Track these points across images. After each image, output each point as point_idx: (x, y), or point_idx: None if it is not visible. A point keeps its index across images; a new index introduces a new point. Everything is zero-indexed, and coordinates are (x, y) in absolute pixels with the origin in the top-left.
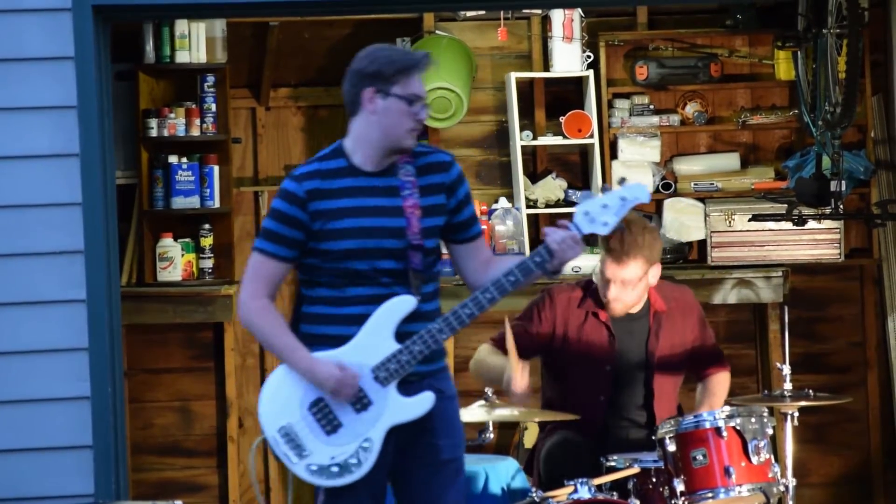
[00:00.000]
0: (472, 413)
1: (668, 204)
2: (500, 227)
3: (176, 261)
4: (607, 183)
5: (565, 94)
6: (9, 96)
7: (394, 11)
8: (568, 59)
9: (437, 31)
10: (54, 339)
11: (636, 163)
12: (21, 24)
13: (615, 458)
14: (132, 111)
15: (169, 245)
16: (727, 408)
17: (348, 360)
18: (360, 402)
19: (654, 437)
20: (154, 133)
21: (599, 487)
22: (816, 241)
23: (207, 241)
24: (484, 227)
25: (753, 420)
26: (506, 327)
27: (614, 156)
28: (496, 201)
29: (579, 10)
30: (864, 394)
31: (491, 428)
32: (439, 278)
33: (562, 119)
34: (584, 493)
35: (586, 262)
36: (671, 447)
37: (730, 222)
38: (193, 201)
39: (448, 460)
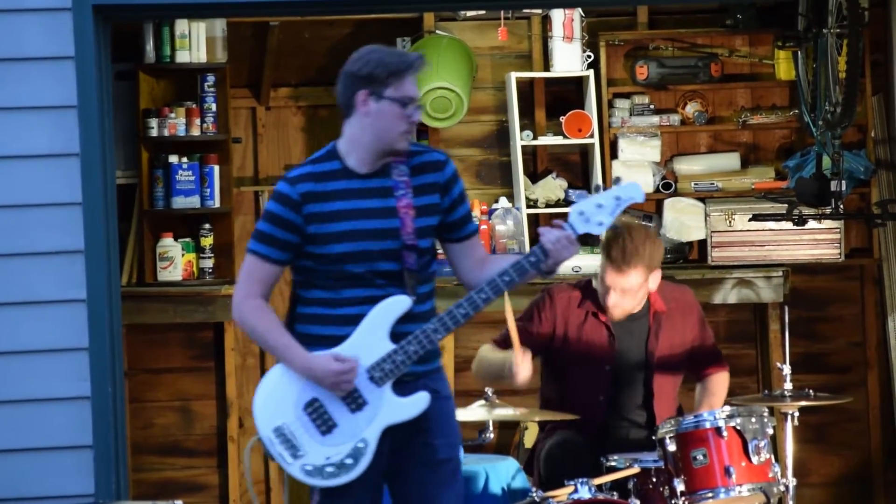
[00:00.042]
0: (473, 413)
1: (669, 204)
2: (500, 226)
3: (176, 260)
4: (605, 183)
5: (565, 94)
6: (9, 96)
7: (394, 11)
8: (568, 59)
9: (438, 31)
10: (55, 338)
11: (636, 162)
12: (21, 23)
13: (615, 457)
14: (132, 111)
15: (169, 245)
16: (727, 408)
17: (345, 354)
18: (356, 402)
19: (654, 437)
20: (154, 133)
21: (600, 487)
22: (817, 240)
23: (208, 241)
24: (484, 226)
25: (754, 420)
26: (508, 316)
27: (614, 156)
28: (496, 201)
29: (579, 9)
30: (864, 394)
31: (491, 428)
32: (435, 279)
33: (562, 119)
34: (585, 493)
35: (586, 262)
36: (671, 447)
37: (730, 222)
38: (194, 201)
39: (444, 460)
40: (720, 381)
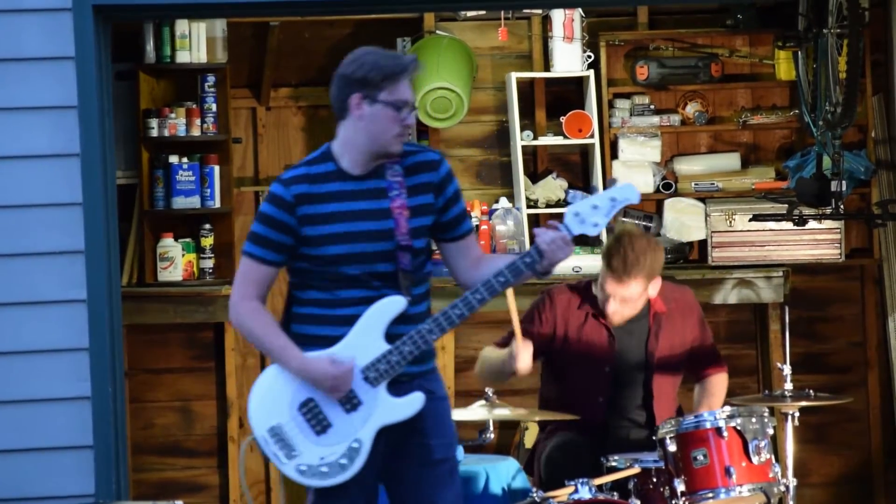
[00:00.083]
0: (473, 413)
1: (669, 204)
2: (500, 227)
3: (176, 261)
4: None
5: (566, 94)
6: (9, 96)
7: (394, 11)
8: (568, 59)
9: (438, 31)
10: (55, 339)
11: (637, 163)
12: (21, 23)
13: (616, 458)
14: (133, 111)
15: (169, 245)
16: (728, 408)
17: (342, 357)
18: (350, 403)
19: (654, 438)
20: (154, 133)
21: (600, 487)
22: (817, 241)
23: (208, 241)
24: (484, 227)
25: (754, 420)
26: (510, 306)
27: (615, 156)
28: (497, 201)
29: (580, 10)
30: (864, 394)
31: (491, 428)
32: (430, 280)
33: (562, 119)
34: (585, 493)
35: (586, 262)
36: (672, 447)
37: (730, 222)
38: (194, 201)
39: (441, 460)
40: (719, 382)
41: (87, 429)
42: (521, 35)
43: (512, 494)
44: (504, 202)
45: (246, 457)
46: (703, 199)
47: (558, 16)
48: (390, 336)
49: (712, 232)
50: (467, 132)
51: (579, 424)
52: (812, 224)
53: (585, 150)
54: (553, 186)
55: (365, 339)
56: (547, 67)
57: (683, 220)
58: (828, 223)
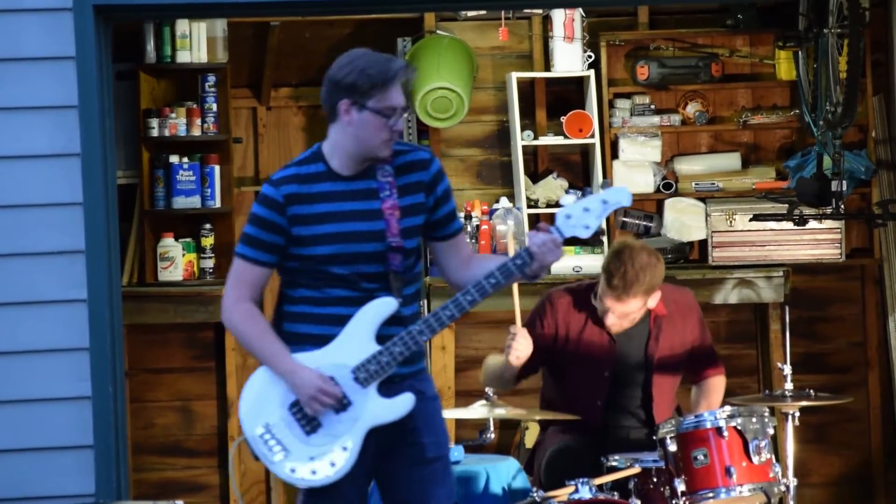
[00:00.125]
0: (473, 412)
1: (669, 204)
2: (500, 226)
3: (177, 261)
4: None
5: (566, 94)
6: (9, 96)
7: (394, 11)
8: (569, 59)
9: (438, 31)
10: (55, 339)
11: (637, 162)
12: (22, 23)
13: (616, 457)
14: (133, 111)
15: (170, 245)
16: (728, 407)
17: (328, 360)
18: (340, 403)
19: (654, 437)
20: (155, 133)
21: (600, 487)
22: (817, 241)
23: (208, 241)
24: (485, 227)
25: (754, 420)
26: (514, 299)
27: (615, 156)
28: (497, 201)
29: (580, 9)
30: (864, 394)
31: (492, 427)
32: (420, 280)
33: (563, 119)
34: (585, 493)
35: (586, 262)
36: (672, 447)
37: (731, 222)
38: (194, 201)
39: (434, 458)
40: (717, 384)
41: (87, 429)
42: (522, 35)
43: (512, 494)
44: (504, 202)
45: (244, 457)
46: (703, 199)
47: (559, 16)
48: (381, 337)
49: (713, 232)
50: (468, 132)
51: (579, 425)
52: (812, 224)
53: (586, 150)
54: (553, 186)
55: (355, 340)
56: (547, 67)
57: (684, 220)
58: (828, 223)
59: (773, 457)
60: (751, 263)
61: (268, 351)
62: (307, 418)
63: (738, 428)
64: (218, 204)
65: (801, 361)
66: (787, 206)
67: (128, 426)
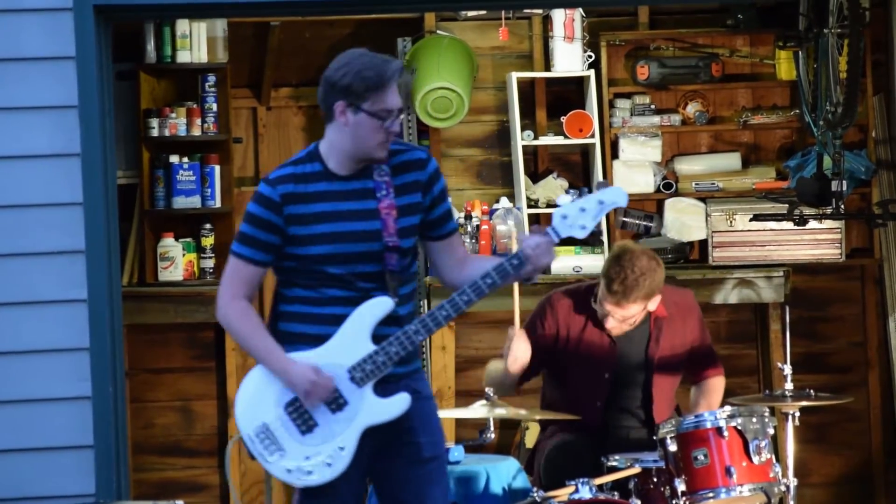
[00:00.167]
0: (474, 412)
1: (670, 204)
2: (501, 226)
3: (177, 260)
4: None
5: (566, 94)
6: (10, 96)
7: (395, 11)
8: (569, 59)
9: (439, 31)
10: (55, 339)
11: (637, 162)
12: (22, 23)
13: (616, 457)
14: (133, 111)
15: (170, 245)
16: (728, 407)
17: (325, 360)
18: (336, 403)
19: (655, 437)
20: (155, 133)
21: (601, 487)
22: (817, 240)
23: (208, 241)
24: (485, 226)
25: (755, 420)
26: (514, 301)
27: (615, 156)
28: (497, 201)
29: (580, 9)
30: (865, 394)
31: (492, 427)
32: (416, 280)
33: (563, 119)
34: (586, 493)
35: (587, 262)
36: (672, 447)
37: (731, 222)
38: (194, 201)
39: (430, 458)
40: (717, 384)
41: (87, 429)
42: (522, 35)
43: (512, 494)
44: (505, 202)
45: (244, 457)
46: (703, 199)
47: (559, 16)
48: (377, 337)
49: (713, 232)
50: (468, 132)
51: (579, 425)
52: (812, 224)
53: (586, 150)
54: (554, 186)
55: (351, 340)
56: (547, 67)
57: (684, 220)
58: (828, 223)
59: (774, 457)
60: (751, 263)
61: (261, 348)
62: (303, 418)
63: (739, 428)
64: (218, 204)
65: (802, 361)
66: (787, 206)
67: (128, 426)
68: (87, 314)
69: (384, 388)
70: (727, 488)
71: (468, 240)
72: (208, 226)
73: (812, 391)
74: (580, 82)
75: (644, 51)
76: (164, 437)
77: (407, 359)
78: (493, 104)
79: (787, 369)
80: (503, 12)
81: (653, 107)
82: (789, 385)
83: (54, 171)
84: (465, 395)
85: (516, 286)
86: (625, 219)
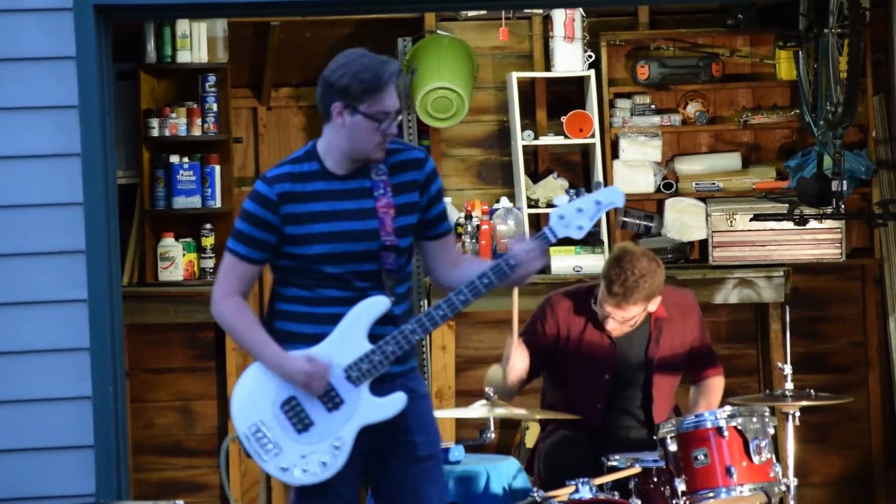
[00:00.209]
0: (474, 412)
1: (670, 203)
2: (501, 226)
3: (177, 260)
4: (606, 183)
5: (567, 94)
6: (10, 96)
7: (395, 11)
8: (569, 59)
9: (439, 31)
10: (56, 338)
11: (637, 162)
12: (22, 23)
13: (616, 457)
14: (133, 111)
15: (170, 245)
16: (728, 407)
17: (320, 357)
18: (332, 402)
19: (655, 437)
20: (155, 133)
21: (601, 487)
22: (818, 240)
23: (209, 241)
24: (485, 226)
25: (755, 420)
26: (514, 307)
27: (616, 155)
28: (497, 201)
29: (580, 9)
30: (865, 394)
31: (492, 427)
32: (411, 279)
33: (563, 119)
34: (586, 493)
35: (587, 262)
36: (672, 447)
37: (731, 222)
38: (195, 201)
39: (426, 457)
40: (716, 384)
41: (87, 428)
42: (522, 35)
43: (513, 494)
44: (505, 202)
45: (244, 456)
46: (703, 199)
47: (559, 15)
48: (373, 336)
49: (713, 232)
50: (468, 132)
51: (579, 426)
52: (813, 224)
53: (586, 150)
54: (554, 186)
55: (348, 339)
56: (548, 67)
57: (684, 220)
58: (828, 223)
59: (774, 456)
60: (751, 263)
61: (256, 342)
62: (299, 417)
63: (739, 428)
64: (218, 204)
65: (802, 361)
66: (787, 205)
67: (128, 426)
68: (88, 314)
69: (380, 387)
70: (727, 488)
71: (468, 240)
72: (208, 226)
73: (812, 391)
74: (580, 82)
75: (644, 51)
76: (164, 437)
77: (403, 358)
78: (493, 104)
79: (788, 369)
80: (503, 12)
81: (653, 107)
82: (789, 385)
83: (54, 171)
84: (465, 395)
85: (516, 293)
86: (625, 219)
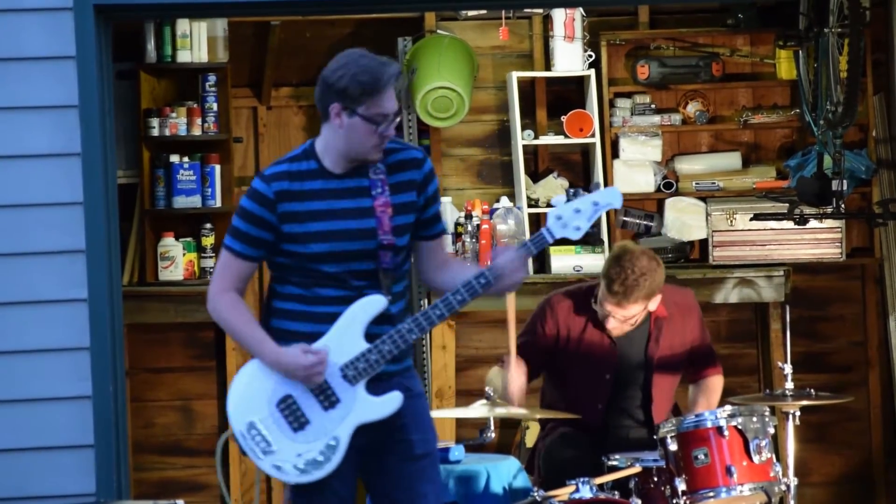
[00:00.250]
0: (474, 412)
1: (670, 203)
2: (501, 226)
3: (177, 260)
4: (606, 183)
5: (567, 94)
6: (10, 96)
7: (395, 11)
8: (569, 59)
9: (439, 31)
10: (56, 338)
11: (637, 162)
12: (22, 23)
13: (617, 457)
14: (134, 110)
15: (170, 244)
16: (728, 407)
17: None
18: (328, 400)
19: (655, 437)
20: (155, 132)
21: (601, 486)
22: (818, 240)
23: (209, 241)
24: (485, 226)
25: (755, 419)
26: (510, 314)
27: (616, 155)
28: (497, 200)
29: (581, 9)
30: (865, 393)
31: (492, 427)
32: (408, 277)
33: (563, 118)
34: (586, 493)
35: (587, 262)
36: (673, 446)
37: (731, 221)
38: (195, 201)
39: (422, 455)
40: (716, 383)
41: (87, 428)
42: (522, 34)
43: (513, 494)
44: (505, 201)
45: (238, 455)
46: (703, 199)
47: (559, 15)
48: (369, 335)
49: (713, 231)
50: (468, 131)
51: (579, 426)
52: (813, 223)
53: (586, 150)
54: (554, 186)
55: (344, 338)
56: (548, 67)
57: (684, 220)
58: (829, 222)
59: (774, 456)
60: (751, 263)
61: (252, 338)
62: (295, 415)
63: (739, 427)
64: (218, 203)
65: (802, 361)
66: (787, 205)
67: (128, 425)
68: (88, 314)
69: (376, 386)
70: (727, 487)
71: (468, 239)
72: (209, 225)
73: (812, 390)
74: (580, 82)
75: (644, 50)
76: (164, 436)
77: (399, 356)
78: (493, 104)
79: (788, 369)
80: (503, 12)
81: (653, 106)
82: (790, 384)
83: (55, 170)
84: (465, 395)
85: (511, 301)
86: (625, 218)
